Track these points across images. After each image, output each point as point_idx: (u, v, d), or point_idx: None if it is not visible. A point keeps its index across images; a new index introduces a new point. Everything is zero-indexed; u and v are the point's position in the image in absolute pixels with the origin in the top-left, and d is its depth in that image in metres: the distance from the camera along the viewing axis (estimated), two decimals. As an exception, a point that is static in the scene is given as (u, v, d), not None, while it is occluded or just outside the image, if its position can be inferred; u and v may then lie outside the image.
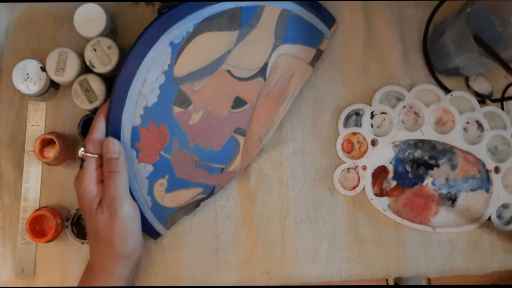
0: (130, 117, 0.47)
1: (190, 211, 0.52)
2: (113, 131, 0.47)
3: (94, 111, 0.50)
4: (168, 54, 0.48)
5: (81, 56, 0.49)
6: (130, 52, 0.46)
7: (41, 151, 0.48)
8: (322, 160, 0.55)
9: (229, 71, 0.50)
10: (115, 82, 0.46)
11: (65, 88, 0.53)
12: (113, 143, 0.45)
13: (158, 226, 0.50)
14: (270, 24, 0.51)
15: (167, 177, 0.50)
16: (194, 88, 0.49)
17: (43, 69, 0.48)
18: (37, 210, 0.49)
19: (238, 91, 0.51)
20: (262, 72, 0.52)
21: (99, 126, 0.46)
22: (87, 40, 0.49)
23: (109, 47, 0.48)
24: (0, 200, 0.52)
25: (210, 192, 0.52)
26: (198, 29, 0.48)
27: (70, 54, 0.48)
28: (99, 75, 0.49)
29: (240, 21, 0.50)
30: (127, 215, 0.45)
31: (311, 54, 0.53)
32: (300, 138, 0.55)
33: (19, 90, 0.48)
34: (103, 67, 0.48)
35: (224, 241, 0.53)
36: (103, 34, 0.49)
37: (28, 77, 0.48)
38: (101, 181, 0.46)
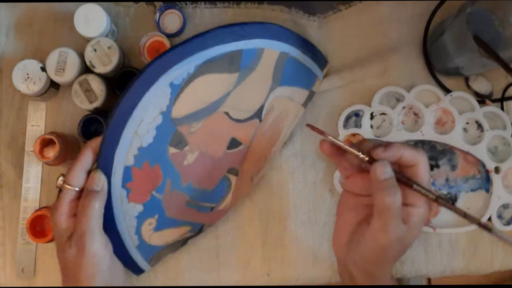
0: (123, 156, 0.45)
1: (176, 249, 0.51)
2: (104, 169, 0.45)
3: (94, 111, 0.50)
4: (168, 94, 0.46)
5: (81, 56, 0.49)
6: (128, 90, 0.44)
7: (41, 151, 0.48)
8: (322, 161, 0.55)
9: (227, 113, 0.49)
10: (110, 120, 0.44)
11: (65, 88, 0.53)
12: (99, 176, 0.43)
13: (142, 263, 0.49)
14: (268, 66, 0.51)
15: (156, 216, 0.48)
16: (191, 129, 0.48)
17: (43, 69, 0.48)
18: (37, 210, 0.50)
19: (234, 132, 0.50)
20: (258, 113, 0.51)
21: (85, 160, 0.44)
22: (87, 40, 0.49)
23: (109, 47, 0.48)
24: (0, 200, 0.52)
25: (199, 230, 0.51)
26: (199, 71, 0.47)
27: (70, 54, 0.48)
28: (99, 75, 0.49)
29: (240, 63, 0.49)
30: (97, 252, 0.42)
31: (304, 95, 0.53)
32: (299, 140, 0.55)
33: (19, 90, 0.48)
34: (103, 67, 0.48)
35: (224, 242, 0.53)
36: (103, 34, 0.49)
37: (28, 77, 0.48)
38: (75, 214, 0.43)
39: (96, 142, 0.44)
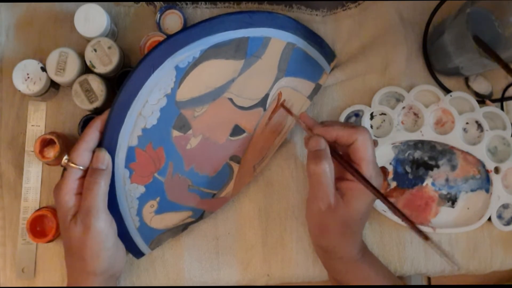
0: (127, 137, 0.46)
1: (177, 234, 0.51)
2: (108, 149, 0.45)
3: (95, 111, 0.50)
4: (173, 77, 0.47)
5: (82, 56, 0.49)
6: (133, 72, 0.45)
7: (41, 151, 0.48)
8: (322, 161, 0.55)
9: (231, 99, 0.50)
10: (115, 101, 0.45)
11: (65, 88, 0.53)
12: (104, 154, 0.44)
13: (142, 246, 0.50)
14: (274, 56, 0.51)
15: (158, 199, 0.49)
16: (195, 113, 0.49)
17: (44, 69, 0.48)
18: (37, 210, 0.50)
19: (237, 120, 0.51)
20: (262, 102, 0.51)
21: (89, 138, 0.44)
22: (88, 40, 0.49)
23: (109, 48, 0.48)
24: (0, 200, 0.52)
25: (200, 216, 0.51)
26: (205, 56, 0.47)
27: (71, 54, 0.48)
28: (100, 75, 0.49)
29: (246, 51, 0.49)
30: (102, 230, 0.43)
31: (310, 88, 0.53)
32: (299, 141, 0.55)
33: (19, 90, 0.48)
34: (103, 68, 0.48)
35: (224, 242, 0.53)
36: (104, 34, 0.49)
37: (28, 77, 0.48)
38: (80, 193, 0.44)
39: (100, 121, 0.45)
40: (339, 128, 0.45)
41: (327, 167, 0.44)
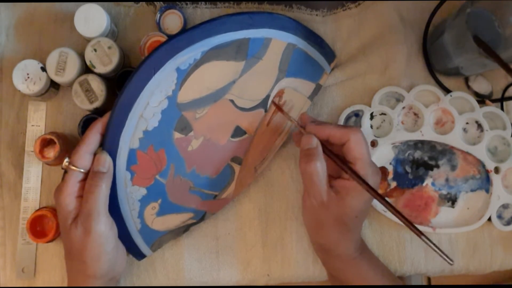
0: (129, 139, 0.46)
1: (178, 235, 0.51)
2: (110, 151, 0.45)
3: (95, 111, 0.50)
4: (174, 79, 0.47)
5: (82, 56, 0.49)
6: (134, 74, 0.45)
7: (41, 151, 0.48)
8: (322, 161, 0.55)
9: (232, 101, 0.50)
10: (116, 103, 0.45)
11: (66, 88, 0.53)
12: (105, 157, 0.44)
13: (144, 247, 0.50)
14: (275, 57, 0.51)
15: (159, 201, 0.49)
16: (196, 115, 0.48)
17: (44, 69, 0.48)
18: (37, 210, 0.50)
19: (239, 121, 0.51)
20: (263, 103, 0.51)
21: (90, 141, 0.44)
22: (88, 40, 0.49)
23: (109, 48, 0.48)
24: (0, 200, 0.52)
25: (201, 217, 0.51)
26: (206, 57, 0.47)
27: (71, 54, 0.48)
28: (100, 75, 0.49)
29: (247, 52, 0.49)
30: (102, 233, 0.43)
31: (310, 88, 0.53)
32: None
33: (19, 90, 0.48)
34: (103, 68, 0.48)
35: (224, 243, 0.53)
36: (104, 34, 0.49)
37: (28, 77, 0.48)
38: (81, 196, 0.44)
39: (101, 123, 0.45)
40: (332, 128, 0.45)
41: (319, 166, 0.44)
